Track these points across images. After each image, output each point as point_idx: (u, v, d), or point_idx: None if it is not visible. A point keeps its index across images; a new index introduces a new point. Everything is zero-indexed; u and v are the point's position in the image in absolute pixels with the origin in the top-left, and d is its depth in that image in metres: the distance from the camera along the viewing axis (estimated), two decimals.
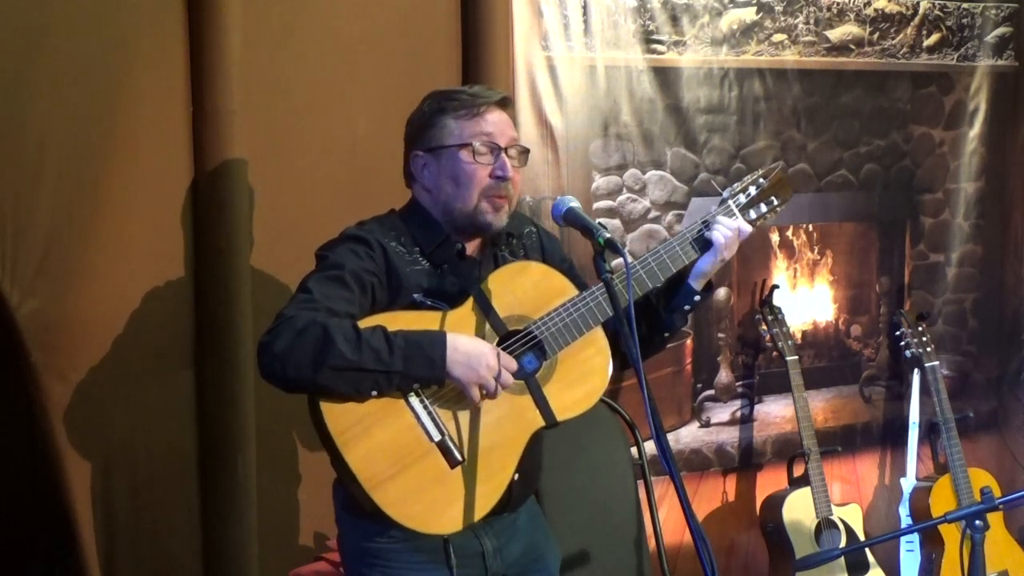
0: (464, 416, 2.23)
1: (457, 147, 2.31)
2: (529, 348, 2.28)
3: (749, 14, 3.76)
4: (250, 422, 2.97)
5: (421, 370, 2.15)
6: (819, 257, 4.02)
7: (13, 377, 2.76)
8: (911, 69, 4.09)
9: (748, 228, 2.46)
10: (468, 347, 2.17)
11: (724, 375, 3.85)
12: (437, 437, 2.20)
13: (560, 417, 2.28)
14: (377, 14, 3.18)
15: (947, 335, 4.24)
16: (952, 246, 4.23)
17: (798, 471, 3.79)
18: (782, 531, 3.70)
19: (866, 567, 3.79)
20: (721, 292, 3.78)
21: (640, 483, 3.21)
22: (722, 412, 3.85)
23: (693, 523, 1.96)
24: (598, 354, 2.33)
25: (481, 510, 2.22)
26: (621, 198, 3.60)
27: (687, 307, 2.46)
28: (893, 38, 4.04)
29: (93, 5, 2.80)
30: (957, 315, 4.27)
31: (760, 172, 2.53)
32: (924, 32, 4.10)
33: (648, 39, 3.60)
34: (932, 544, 3.90)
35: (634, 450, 3.23)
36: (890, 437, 4.16)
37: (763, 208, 2.50)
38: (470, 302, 2.27)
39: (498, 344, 2.25)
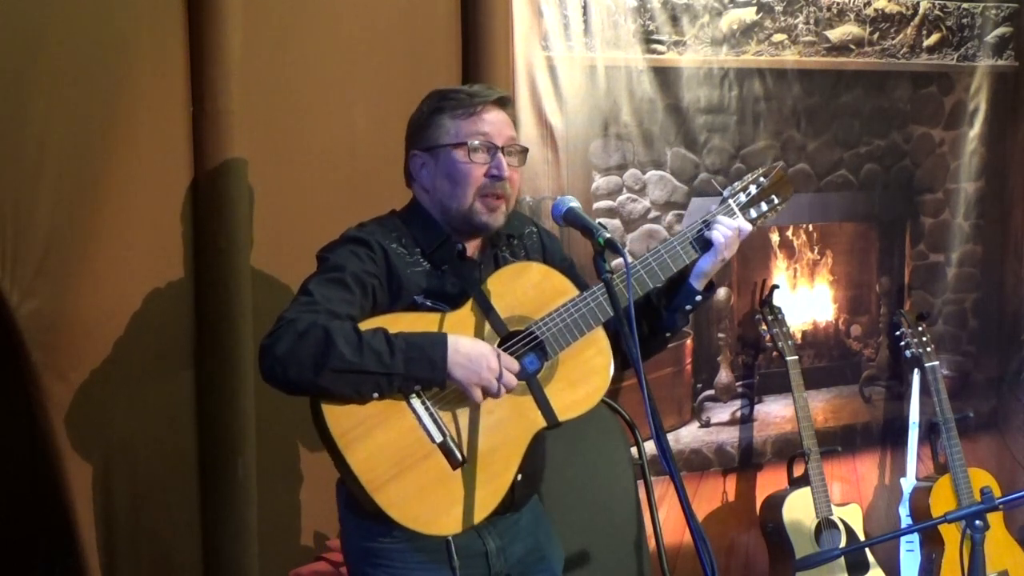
0: (466, 417, 2.23)
1: (453, 146, 2.31)
2: (530, 348, 2.28)
3: (749, 14, 3.76)
4: (250, 422, 2.97)
5: (422, 372, 2.15)
6: (819, 257, 4.02)
7: (13, 377, 2.76)
8: (911, 69, 4.09)
9: (748, 227, 2.46)
10: (469, 348, 2.17)
11: (724, 375, 3.85)
12: (439, 438, 2.20)
13: (562, 417, 2.28)
14: (377, 14, 3.18)
15: (947, 335, 4.24)
16: (952, 246, 4.23)
17: (798, 471, 3.79)
18: (782, 531, 3.70)
19: (866, 567, 3.79)
20: (721, 292, 3.77)
21: (640, 483, 3.21)
22: (722, 412, 3.85)
23: (693, 523, 1.96)
24: (599, 354, 2.33)
25: (483, 511, 2.22)
26: (621, 198, 3.60)
27: (688, 307, 2.46)
28: (893, 38, 4.04)
29: (93, 5, 2.80)
30: (957, 315, 4.27)
31: (760, 171, 2.54)
32: (924, 32, 4.10)
33: (648, 39, 3.60)
34: (932, 544, 3.90)
35: (634, 450, 3.23)
36: (890, 437, 4.16)
37: (764, 207, 2.50)
38: (471, 303, 2.27)
39: (499, 345, 2.25)
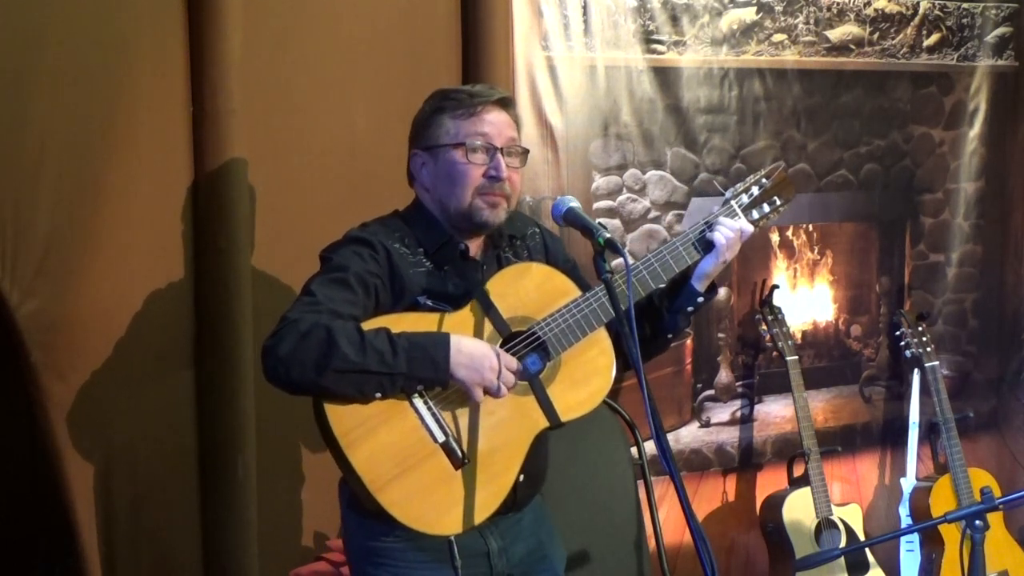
0: (468, 417, 2.23)
1: (452, 146, 2.31)
2: (533, 349, 2.28)
3: (749, 14, 3.76)
4: (250, 422, 2.97)
5: (425, 371, 2.15)
6: (819, 257, 4.02)
7: (13, 377, 2.76)
8: (911, 69, 4.09)
9: (750, 228, 2.46)
10: (472, 348, 2.18)
11: (724, 375, 3.85)
12: (441, 438, 2.20)
13: (564, 418, 2.28)
14: (377, 14, 3.18)
15: (947, 335, 4.24)
16: (952, 246, 4.23)
17: (798, 471, 3.79)
18: (782, 531, 3.70)
19: (866, 567, 3.79)
20: (721, 292, 3.76)
21: (640, 483, 3.21)
22: (722, 412, 3.85)
23: (693, 523, 1.96)
24: (602, 354, 2.33)
25: (485, 511, 2.22)
26: (621, 198, 3.60)
27: (690, 308, 2.46)
28: (893, 38, 4.04)
29: (93, 5, 2.80)
30: (957, 315, 4.27)
31: (763, 172, 2.53)
32: (924, 32, 4.10)
33: (648, 39, 3.60)
34: (932, 544, 3.90)
35: (634, 450, 3.23)
36: (890, 437, 4.16)
37: (766, 208, 2.50)
38: (473, 303, 2.27)
39: (502, 345, 2.25)
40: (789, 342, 3.77)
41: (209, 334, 2.95)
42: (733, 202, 2.48)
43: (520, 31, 3.37)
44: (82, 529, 2.83)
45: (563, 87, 3.47)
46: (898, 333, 4.00)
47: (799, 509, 3.71)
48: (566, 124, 3.49)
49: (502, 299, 2.28)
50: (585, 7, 3.48)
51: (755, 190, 2.50)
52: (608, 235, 2.19)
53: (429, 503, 2.19)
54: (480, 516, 2.22)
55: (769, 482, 3.90)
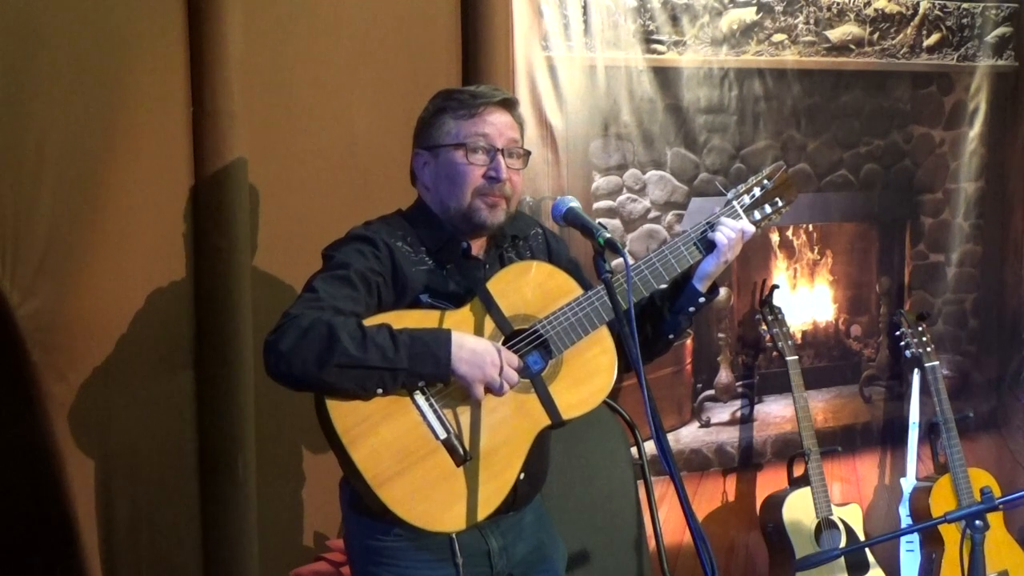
0: (470, 414, 2.23)
1: (453, 146, 2.32)
2: (535, 347, 2.28)
3: (749, 14, 3.77)
4: (250, 422, 2.97)
5: (426, 368, 2.16)
6: (819, 257, 4.02)
7: (13, 377, 2.76)
8: (911, 69, 4.09)
9: (752, 229, 2.46)
10: (473, 345, 2.18)
11: (724, 375, 3.85)
12: (443, 435, 2.20)
13: (566, 416, 2.28)
14: (377, 14, 3.18)
15: (947, 335, 4.24)
16: (952, 246, 4.23)
17: (798, 471, 3.79)
18: (782, 531, 3.70)
19: (866, 567, 3.79)
20: (721, 292, 3.76)
21: (640, 483, 3.21)
22: (722, 412, 3.85)
23: (693, 523, 1.96)
24: (604, 353, 2.33)
25: (486, 508, 2.23)
26: (621, 198, 3.60)
27: (692, 308, 2.47)
28: (893, 38, 4.04)
29: (93, 5, 2.80)
30: (957, 315, 4.27)
31: (765, 173, 2.53)
32: (924, 32, 4.10)
33: (648, 39, 3.60)
34: (932, 544, 3.90)
35: (634, 450, 3.23)
36: (890, 437, 4.16)
37: (767, 209, 2.51)
38: (475, 301, 2.28)
39: (504, 343, 2.25)
40: (789, 342, 3.77)
41: (209, 334, 2.95)
42: (735, 202, 2.48)
43: (520, 31, 3.37)
44: (82, 529, 2.83)
45: (563, 87, 3.48)
46: (898, 333, 4.00)
47: (799, 509, 3.71)
48: (566, 124, 3.49)
49: (504, 297, 2.29)
50: (585, 7, 3.48)
51: (757, 191, 2.50)
52: (608, 235, 2.19)
53: (431, 500, 2.19)
54: (482, 513, 2.22)
55: (769, 482, 3.90)
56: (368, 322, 2.17)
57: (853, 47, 3.97)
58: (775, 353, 3.81)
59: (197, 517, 2.98)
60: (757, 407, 3.91)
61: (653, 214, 3.64)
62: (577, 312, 2.30)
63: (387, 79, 3.18)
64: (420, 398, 2.20)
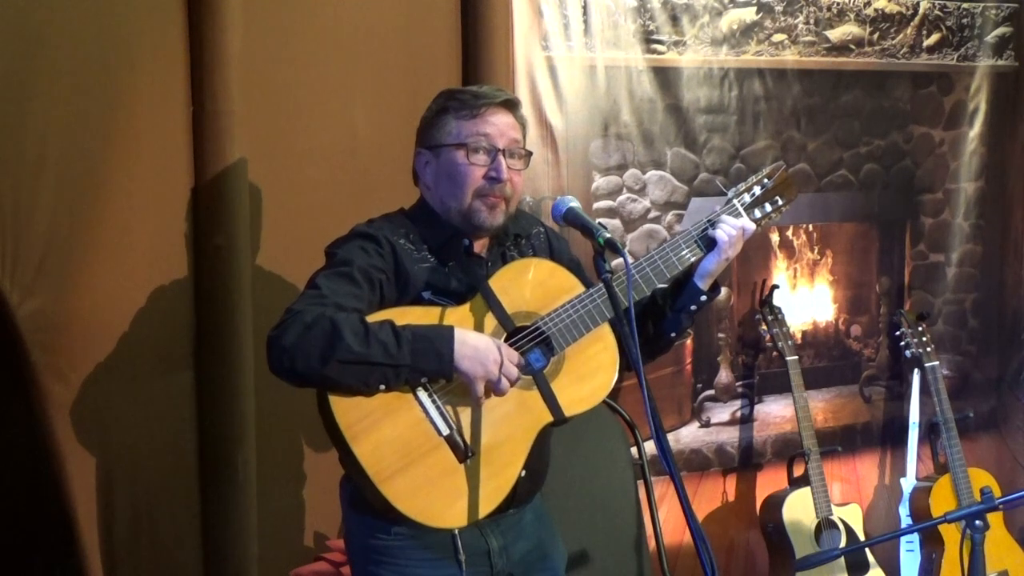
0: (473, 411, 2.24)
1: (454, 146, 2.33)
2: (537, 344, 2.29)
3: (749, 14, 3.76)
4: (250, 422, 2.97)
5: (429, 364, 2.16)
6: (819, 257, 4.02)
7: (13, 377, 2.76)
8: (911, 69, 4.09)
9: (752, 227, 2.47)
10: (476, 341, 2.19)
11: (724, 375, 3.85)
12: (446, 431, 2.21)
13: (568, 412, 2.29)
14: (377, 14, 3.18)
15: (947, 335, 4.24)
16: (952, 246, 4.23)
17: (798, 471, 3.79)
18: (782, 531, 3.70)
19: (866, 567, 3.79)
20: (721, 292, 3.77)
21: (640, 483, 3.21)
22: (722, 412, 3.85)
23: (693, 523, 1.96)
24: (605, 350, 2.33)
25: (489, 505, 2.23)
26: (621, 198, 3.60)
27: (693, 307, 2.47)
28: (893, 38, 4.04)
29: (93, 5, 2.80)
30: (957, 315, 4.27)
31: (765, 172, 2.54)
32: (924, 32, 4.10)
33: (648, 39, 3.60)
34: (932, 544, 3.90)
35: (634, 450, 3.23)
36: (890, 437, 4.16)
37: (768, 208, 2.52)
38: (477, 298, 2.29)
39: (506, 340, 2.26)
40: (789, 342, 3.77)
41: (209, 334, 2.95)
42: (735, 201, 2.49)
43: (520, 31, 3.37)
44: (82, 529, 2.83)
45: (563, 87, 3.48)
46: (898, 333, 4.00)
47: (799, 509, 3.71)
48: (566, 124, 3.49)
49: (506, 294, 2.29)
50: (585, 7, 3.48)
51: (757, 189, 2.51)
52: (608, 235, 2.20)
53: (433, 496, 2.20)
54: (484, 510, 2.23)
55: (769, 482, 3.90)
56: (371, 319, 2.17)
57: (853, 47, 3.97)
58: (775, 353, 3.81)
59: (197, 517, 2.98)
60: (757, 407, 3.91)
61: (653, 214, 3.64)
62: (579, 309, 2.30)
63: (387, 79, 3.18)
64: (423, 394, 2.21)
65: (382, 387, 2.16)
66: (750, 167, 3.73)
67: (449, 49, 3.28)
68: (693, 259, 2.43)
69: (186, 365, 2.96)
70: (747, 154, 3.80)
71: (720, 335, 3.83)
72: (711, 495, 3.84)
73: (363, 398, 2.17)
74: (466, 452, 2.21)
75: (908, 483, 4.05)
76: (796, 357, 3.76)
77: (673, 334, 2.50)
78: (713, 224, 2.44)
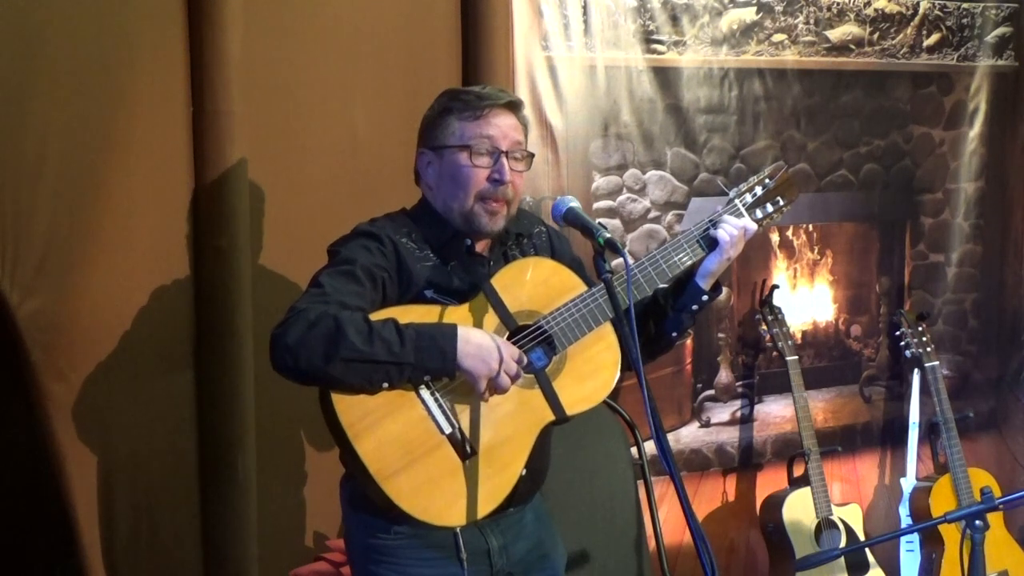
0: (475, 409, 2.24)
1: (457, 148, 2.33)
2: (539, 343, 2.29)
3: (749, 14, 3.76)
4: (250, 422, 2.97)
5: (432, 362, 2.16)
6: (819, 257, 4.02)
7: (13, 377, 2.76)
8: (911, 69, 4.09)
9: (754, 227, 2.48)
10: (479, 339, 2.19)
11: (724, 375, 3.85)
12: (448, 430, 2.21)
13: (570, 411, 2.29)
14: (377, 14, 3.18)
15: (947, 335, 4.24)
16: (952, 246, 4.23)
17: (798, 471, 3.79)
18: (782, 531, 3.70)
19: (866, 567, 3.80)
20: (722, 292, 3.77)
21: (640, 483, 3.21)
22: (722, 412, 3.85)
23: (693, 523, 1.96)
24: (607, 349, 2.34)
25: (491, 503, 2.23)
26: (621, 198, 3.60)
27: (695, 307, 2.48)
28: (893, 38, 4.04)
29: (93, 5, 2.80)
30: (957, 315, 4.27)
31: (766, 172, 2.55)
32: (924, 32, 4.10)
33: (648, 39, 3.60)
34: (932, 544, 3.91)
35: (634, 450, 3.23)
36: (890, 437, 4.16)
37: (769, 208, 2.53)
38: (479, 297, 2.29)
39: (508, 339, 2.26)
40: (789, 342, 3.77)
41: (209, 334, 2.95)
42: (737, 201, 2.50)
43: (520, 31, 3.37)
44: (82, 529, 2.83)
45: (563, 87, 3.48)
46: (898, 333, 4.00)
47: (799, 509, 3.71)
48: (566, 124, 3.49)
49: (508, 293, 2.30)
50: (585, 7, 3.48)
51: (759, 190, 2.52)
52: (608, 235, 2.20)
53: (435, 494, 2.20)
54: (486, 508, 2.23)
55: (769, 482, 3.90)
56: (373, 317, 2.18)
57: (853, 47, 3.97)
58: (775, 353, 3.81)
59: (197, 517, 2.98)
60: (757, 407, 3.91)
61: (653, 214, 3.64)
62: (581, 308, 2.31)
63: (387, 79, 3.18)
64: (425, 393, 2.21)
65: (385, 385, 2.16)
66: (750, 167, 3.73)
67: (449, 49, 3.28)
68: (695, 259, 2.44)
69: (186, 365, 2.96)
70: (747, 154, 3.80)
71: (720, 335, 3.83)
72: (711, 495, 3.84)
73: (365, 396, 2.17)
74: (468, 451, 2.21)
75: (908, 483, 4.05)
76: (796, 357, 3.76)
77: (674, 334, 2.50)
78: (715, 224, 2.45)
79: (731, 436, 3.87)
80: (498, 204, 2.33)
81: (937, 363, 3.96)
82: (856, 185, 4.03)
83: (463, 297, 2.30)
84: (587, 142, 3.53)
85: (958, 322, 4.27)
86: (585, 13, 3.49)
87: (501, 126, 2.33)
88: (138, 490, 2.92)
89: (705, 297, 2.47)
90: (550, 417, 2.28)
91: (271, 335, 2.15)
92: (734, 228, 2.43)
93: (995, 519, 3.80)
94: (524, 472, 2.28)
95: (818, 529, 3.70)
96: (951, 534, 3.82)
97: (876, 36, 4.01)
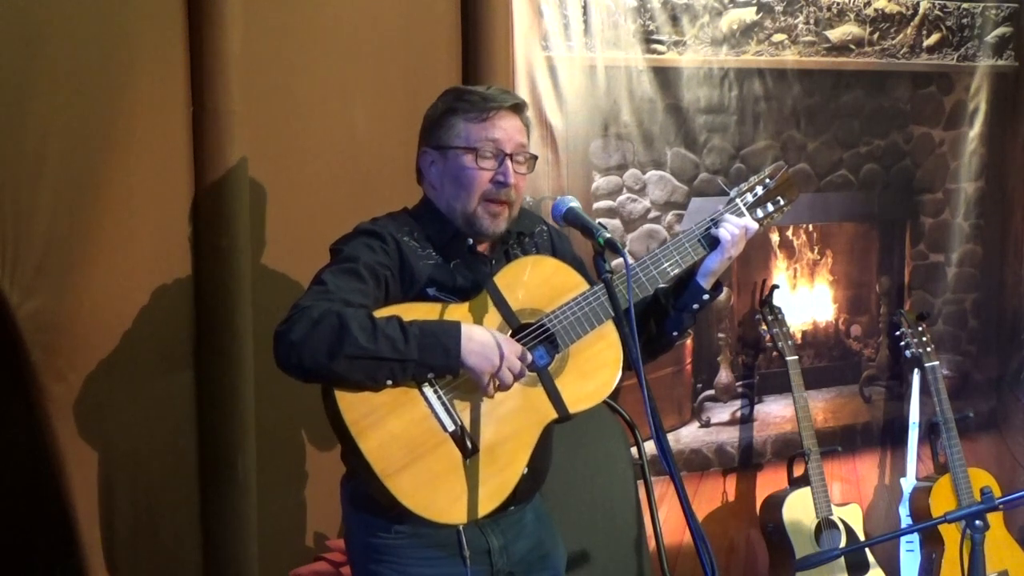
0: (478, 407, 2.24)
1: (463, 150, 2.33)
2: (541, 341, 2.29)
3: (749, 14, 3.76)
4: (250, 422, 2.97)
5: (436, 359, 2.16)
6: (819, 257, 4.02)
7: (13, 377, 2.76)
8: (911, 69, 4.09)
9: (755, 226, 2.48)
10: (483, 337, 2.19)
11: (724, 375, 3.85)
12: (451, 427, 2.21)
13: (572, 409, 2.29)
14: (377, 14, 3.18)
15: (947, 335, 4.24)
16: (952, 246, 4.23)
17: (798, 471, 3.79)
18: (782, 531, 3.70)
19: (866, 567, 3.80)
20: (723, 291, 3.77)
21: (640, 483, 3.21)
22: (722, 412, 3.85)
23: (693, 523, 1.96)
24: (609, 347, 2.34)
25: (493, 501, 2.24)
26: (621, 198, 3.60)
27: (696, 306, 2.48)
28: (893, 38, 4.04)
29: (93, 5, 2.80)
30: (957, 315, 4.27)
31: (767, 172, 2.56)
32: (924, 32, 4.10)
33: (648, 39, 3.60)
34: (932, 544, 3.90)
35: (634, 450, 3.23)
36: (890, 437, 4.16)
37: (770, 207, 2.53)
38: (483, 295, 2.29)
39: (511, 337, 2.26)
40: (789, 342, 3.77)
41: (209, 334, 2.95)
42: (738, 200, 2.51)
43: (520, 31, 3.37)
44: (82, 529, 2.83)
45: (563, 87, 3.48)
46: (898, 333, 4.00)
47: (799, 509, 3.71)
48: (566, 124, 3.49)
49: (511, 291, 2.30)
50: (585, 7, 3.48)
51: (759, 189, 2.53)
52: (608, 235, 2.20)
53: (438, 492, 2.20)
54: (488, 506, 2.23)
55: (769, 482, 3.90)
56: (378, 313, 2.18)
57: (853, 47, 3.97)
58: (775, 353, 3.81)
59: (197, 517, 2.98)
60: (757, 407, 3.91)
61: (653, 214, 3.64)
62: (584, 307, 2.31)
63: (387, 79, 3.18)
64: (429, 390, 2.21)
65: (389, 382, 2.17)
66: (750, 167, 3.73)
67: (449, 49, 3.28)
68: (696, 258, 2.45)
69: (186, 365, 2.96)
70: (747, 154, 3.80)
71: (720, 335, 3.83)
72: (711, 495, 3.84)
73: (369, 394, 2.17)
74: (471, 448, 2.21)
75: (908, 483, 4.05)
76: (796, 357, 3.76)
77: (675, 333, 2.51)
78: (716, 223, 2.45)
79: (731, 436, 3.87)
80: (501, 206, 2.33)
81: (937, 363, 3.96)
82: (856, 185, 4.03)
83: (465, 295, 2.30)
84: (587, 142, 3.53)
85: (958, 322, 4.27)
86: (585, 13, 3.49)
87: (506, 129, 2.34)
88: (138, 490, 2.92)
89: (706, 296, 2.48)
90: (553, 415, 2.29)
91: (275, 332, 2.15)
92: (735, 227, 2.43)
93: (995, 519, 3.80)
94: (526, 470, 2.28)
95: (818, 529, 3.70)
96: (951, 534, 3.82)
97: (876, 36, 4.01)
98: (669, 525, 3.39)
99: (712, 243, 2.44)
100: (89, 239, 2.80)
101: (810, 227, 3.99)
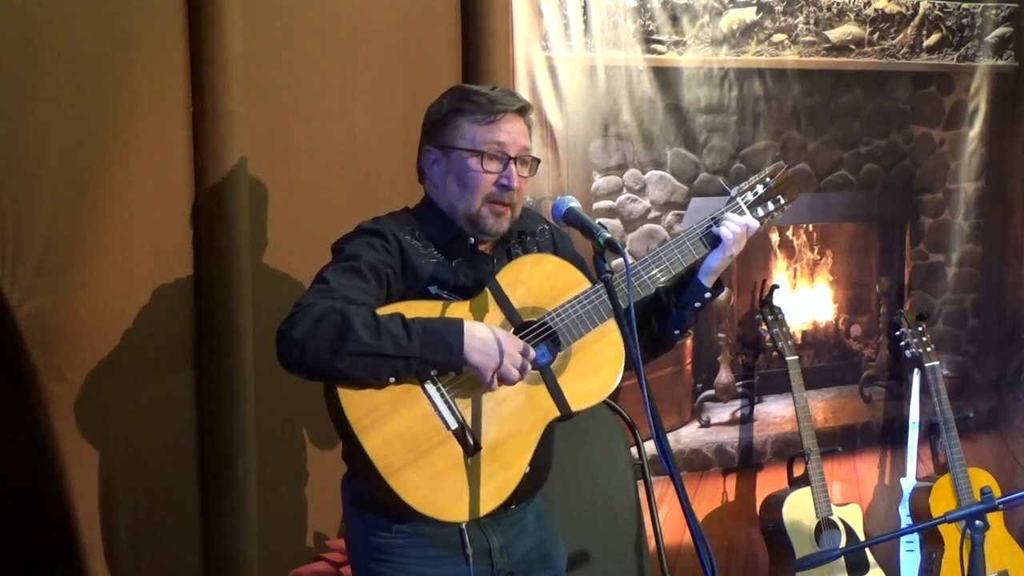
0: (480, 405, 2.25)
1: (468, 151, 2.33)
2: (543, 339, 2.30)
3: (749, 14, 3.77)
4: (250, 422, 2.97)
5: (439, 356, 2.17)
6: (819, 257, 4.02)
7: (13, 377, 2.76)
8: (911, 69, 4.09)
9: (756, 224, 2.50)
10: (485, 334, 2.19)
11: (724, 375, 3.85)
12: (454, 425, 2.22)
13: (575, 407, 2.30)
14: (377, 14, 3.18)
15: (947, 335, 4.24)
16: (952, 246, 4.23)
17: (798, 471, 3.79)
18: (782, 531, 3.70)
19: (866, 567, 3.80)
20: (724, 290, 3.77)
21: (640, 483, 3.21)
22: (722, 412, 3.85)
23: (693, 523, 1.96)
24: (611, 346, 2.34)
25: (496, 499, 2.24)
26: (621, 198, 3.60)
27: (697, 304, 2.49)
28: (893, 38, 4.04)
29: (93, 5, 2.80)
30: (957, 315, 4.27)
31: (767, 171, 2.57)
32: (924, 32, 4.10)
33: (648, 39, 3.60)
34: (932, 544, 3.91)
35: (634, 450, 3.23)
36: (890, 437, 4.16)
37: (770, 206, 2.55)
38: (484, 294, 2.30)
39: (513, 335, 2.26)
40: (789, 342, 3.77)
41: (209, 334, 2.95)
42: (739, 199, 2.52)
43: (520, 31, 3.37)
44: (82, 529, 2.83)
45: (563, 87, 3.48)
46: (898, 333, 4.00)
47: (799, 509, 3.71)
48: (566, 124, 3.49)
49: (513, 289, 2.30)
50: (585, 7, 3.48)
51: (760, 188, 2.54)
52: (608, 235, 2.21)
53: (441, 489, 2.20)
54: (490, 504, 2.23)
55: (769, 482, 3.90)
56: (380, 311, 2.18)
57: (853, 47, 3.97)
58: (775, 353, 3.81)
59: (197, 517, 2.98)
60: (757, 407, 3.91)
61: (653, 214, 3.64)
62: (585, 305, 2.32)
63: (387, 79, 3.18)
64: (431, 388, 2.21)
65: (392, 379, 2.17)
66: (750, 167, 3.73)
67: (449, 49, 3.28)
68: (697, 256, 2.46)
69: (186, 365, 2.96)
70: (747, 154, 3.80)
71: (720, 335, 3.83)
72: (711, 495, 3.84)
73: (371, 392, 2.17)
74: (473, 446, 2.22)
75: (908, 483, 4.05)
76: (796, 357, 3.77)
77: (676, 331, 2.52)
78: (717, 221, 2.46)
79: (731, 436, 3.87)
80: (504, 207, 2.34)
81: (937, 363, 3.96)
82: (856, 185, 4.04)
83: (467, 293, 2.30)
84: (587, 142, 3.53)
85: (958, 322, 4.27)
86: (585, 13, 3.49)
87: (512, 132, 2.34)
88: (138, 490, 2.92)
89: (708, 294, 2.49)
90: (555, 413, 2.29)
91: (277, 330, 2.15)
92: (736, 225, 2.44)
93: (995, 519, 3.80)
94: (528, 469, 2.28)
95: (818, 529, 3.70)
96: (951, 534, 3.82)
97: (876, 36, 4.01)
98: (669, 525, 3.39)
99: (713, 241, 2.45)
100: (89, 239, 2.80)
101: (810, 227, 3.99)
